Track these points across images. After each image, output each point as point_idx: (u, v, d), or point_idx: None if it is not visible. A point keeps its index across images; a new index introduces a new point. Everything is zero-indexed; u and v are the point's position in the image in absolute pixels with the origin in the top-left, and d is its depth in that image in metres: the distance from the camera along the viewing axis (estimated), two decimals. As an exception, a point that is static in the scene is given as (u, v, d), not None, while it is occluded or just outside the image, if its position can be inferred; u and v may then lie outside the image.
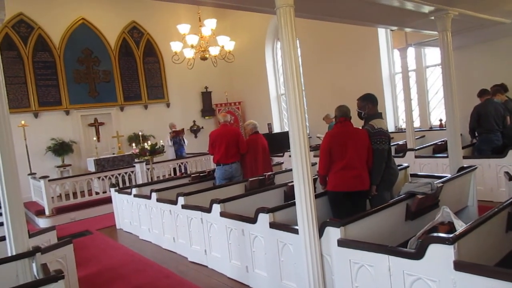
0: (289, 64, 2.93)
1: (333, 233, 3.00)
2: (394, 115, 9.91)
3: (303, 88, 2.95)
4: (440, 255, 2.34)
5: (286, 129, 12.98)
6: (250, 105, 13.81)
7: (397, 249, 2.62)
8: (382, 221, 3.35)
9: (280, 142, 9.95)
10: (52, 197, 8.15)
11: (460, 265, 2.25)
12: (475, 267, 2.22)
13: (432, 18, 4.69)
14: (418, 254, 2.44)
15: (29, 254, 3.02)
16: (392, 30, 7.61)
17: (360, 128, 4.15)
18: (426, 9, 4.54)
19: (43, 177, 8.00)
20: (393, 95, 9.86)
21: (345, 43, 10.14)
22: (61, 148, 10.76)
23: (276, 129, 13.00)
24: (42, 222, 7.92)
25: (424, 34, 6.43)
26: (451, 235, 2.34)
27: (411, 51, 8.07)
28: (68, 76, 11.12)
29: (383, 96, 9.43)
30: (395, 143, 8.01)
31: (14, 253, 3.00)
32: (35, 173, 9.20)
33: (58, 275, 2.42)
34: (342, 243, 2.92)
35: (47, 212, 7.98)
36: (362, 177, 3.86)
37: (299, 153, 3.00)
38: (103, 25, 11.69)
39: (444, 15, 4.53)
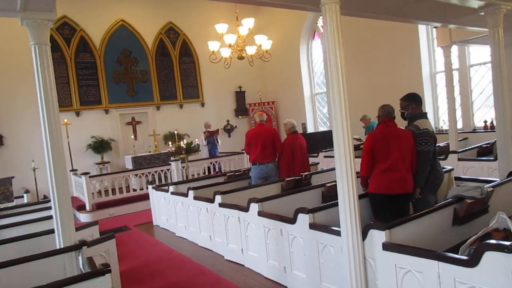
0: (334, 62, 2.86)
1: (378, 236, 2.90)
2: (435, 116, 9.55)
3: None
4: (497, 264, 2.20)
5: (320, 129, 12.83)
6: (283, 104, 13.75)
7: (448, 256, 2.49)
8: (427, 226, 3.22)
9: (314, 142, 9.82)
10: (92, 193, 8.44)
11: (520, 275, 2.12)
12: (536, 277, 2.08)
13: (482, 13, 4.46)
14: (472, 261, 2.31)
15: (76, 247, 3.12)
16: (435, 27, 7.32)
17: (404, 128, 4.01)
18: (475, 4, 4.32)
19: (84, 174, 8.31)
20: (434, 95, 9.52)
21: (383, 40, 9.89)
22: (100, 146, 11.14)
23: (310, 129, 12.86)
24: (83, 217, 8.22)
25: (470, 30, 6.14)
26: (509, 243, 2.19)
27: (454, 49, 7.74)
28: (107, 76, 11.50)
29: (423, 96, 9.09)
30: (437, 144, 7.71)
31: (62, 246, 3.10)
32: (76, 170, 9.58)
33: (106, 269, 2.48)
34: (387, 247, 2.82)
35: (87, 207, 8.28)
36: (406, 179, 3.73)
37: (343, 153, 2.92)
38: (141, 26, 12.00)
39: (496, 10, 4.29)
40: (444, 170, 4.38)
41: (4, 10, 2.92)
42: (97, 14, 11.31)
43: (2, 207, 6.85)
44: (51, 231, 3.40)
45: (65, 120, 9.86)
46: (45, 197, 8.74)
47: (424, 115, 4.06)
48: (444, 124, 9.37)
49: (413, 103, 4.05)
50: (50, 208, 4.81)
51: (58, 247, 3.13)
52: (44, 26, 3.06)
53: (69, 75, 10.94)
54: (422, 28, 9.26)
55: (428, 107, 9.32)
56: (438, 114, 9.57)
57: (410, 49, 9.43)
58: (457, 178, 4.91)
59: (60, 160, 3.08)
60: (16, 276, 2.91)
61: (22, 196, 8.32)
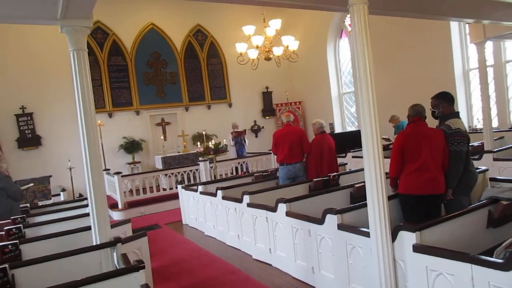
0: (362, 64, 2.85)
1: (408, 238, 2.86)
2: (468, 114, 9.24)
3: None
4: (535, 268, 2.14)
5: (348, 129, 12.67)
6: (310, 104, 13.67)
7: (482, 258, 2.43)
8: (460, 228, 3.15)
9: (342, 143, 9.69)
10: (124, 192, 8.70)
11: (559, 280, 2.04)
12: None
13: (518, 8, 4.30)
14: (508, 264, 2.25)
15: (111, 244, 3.25)
16: (468, 23, 7.09)
17: (435, 128, 3.93)
18: (512, -2, 4.18)
19: (117, 173, 8.59)
20: (467, 93, 9.21)
21: (413, 37, 9.65)
22: (131, 146, 11.46)
23: (338, 129, 12.73)
24: (115, 215, 8.50)
25: (505, 26, 5.91)
26: (547, 246, 2.12)
27: (489, 45, 7.46)
28: (138, 78, 11.83)
29: (456, 94, 8.82)
30: (470, 144, 7.47)
31: (98, 243, 3.24)
32: (109, 169, 9.91)
33: (140, 265, 2.58)
34: (418, 248, 2.78)
35: (120, 206, 8.56)
36: (437, 180, 3.65)
37: (372, 153, 2.91)
38: (170, 29, 12.26)
39: (533, 4, 4.14)
40: (478, 170, 4.25)
41: (46, 18, 3.09)
42: (128, 18, 11.65)
43: (40, 204, 7.21)
44: (88, 228, 3.55)
45: (99, 121, 10.21)
46: (80, 195, 9.12)
47: (456, 114, 3.96)
48: (478, 123, 9.05)
49: (444, 101, 3.96)
50: (85, 206, 5.05)
51: (94, 244, 3.28)
52: (82, 33, 3.21)
53: (102, 78, 11.33)
54: (454, 24, 8.97)
55: (461, 105, 9.03)
56: (472, 112, 9.25)
57: (442, 46, 9.16)
58: (492, 179, 4.73)
59: (97, 160, 3.22)
60: (54, 270, 3.04)
61: (59, 194, 8.72)
